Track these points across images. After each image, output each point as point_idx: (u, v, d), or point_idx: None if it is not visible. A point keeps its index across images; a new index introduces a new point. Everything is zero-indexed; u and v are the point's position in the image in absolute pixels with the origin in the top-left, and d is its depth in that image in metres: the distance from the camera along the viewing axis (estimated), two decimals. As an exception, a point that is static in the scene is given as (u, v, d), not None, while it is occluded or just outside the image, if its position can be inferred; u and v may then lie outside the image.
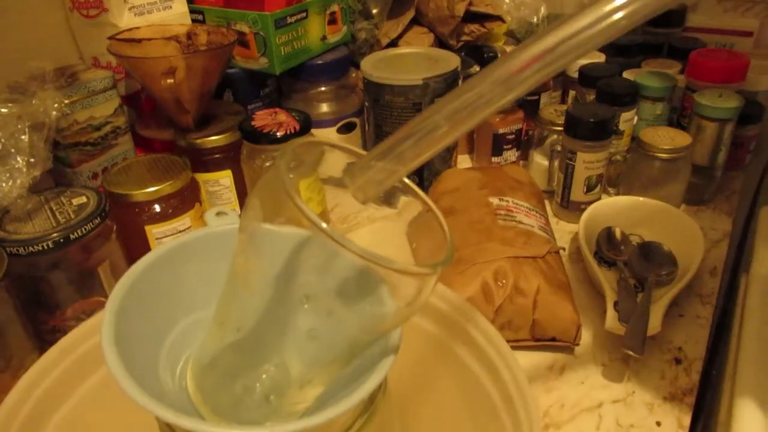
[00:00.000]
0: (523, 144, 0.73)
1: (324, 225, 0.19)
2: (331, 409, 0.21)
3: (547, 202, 0.65)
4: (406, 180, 0.25)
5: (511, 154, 0.72)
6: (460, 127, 0.23)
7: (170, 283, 0.26)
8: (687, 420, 0.44)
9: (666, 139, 0.61)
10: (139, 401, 0.20)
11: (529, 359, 0.50)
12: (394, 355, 0.24)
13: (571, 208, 0.65)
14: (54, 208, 0.49)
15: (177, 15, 0.62)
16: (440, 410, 0.38)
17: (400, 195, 0.26)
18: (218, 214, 0.28)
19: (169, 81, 0.52)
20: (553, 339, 0.49)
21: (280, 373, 0.24)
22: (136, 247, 0.54)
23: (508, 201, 0.57)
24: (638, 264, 0.55)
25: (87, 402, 0.33)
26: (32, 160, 0.47)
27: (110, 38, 0.55)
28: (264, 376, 0.24)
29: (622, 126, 0.67)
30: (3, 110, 0.44)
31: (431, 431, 0.40)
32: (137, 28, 0.58)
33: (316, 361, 0.23)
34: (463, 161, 0.77)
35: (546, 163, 0.69)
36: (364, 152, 0.25)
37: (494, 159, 0.72)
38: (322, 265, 0.22)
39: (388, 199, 0.28)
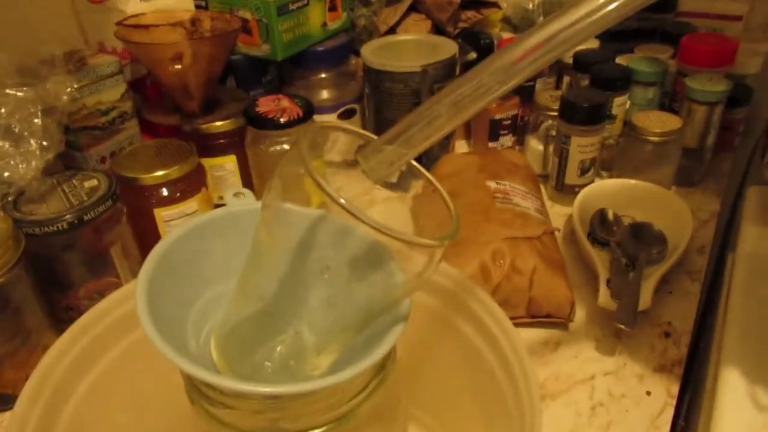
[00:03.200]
0: (519, 129, 0.74)
1: (342, 200, 0.21)
2: (349, 369, 0.23)
3: (542, 187, 0.67)
4: (413, 162, 0.27)
5: (507, 140, 0.74)
6: (463, 114, 0.25)
7: (195, 258, 0.28)
8: (675, 389, 0.47)
9: (657, 123, 0.63)
10: (175, 361, 0.21)
11: (525, 335, 0.52)
12: (404, 323, 0.26)
13: (565, 191, 0.67)
14: (67, 191, 0.50)
15: (182, 1, 0.64)
16: (443, 381, 0.40)
17: (410, 179, 0.28)
18: (236, 194, 0.30)
19: (177, 66, 0.53)
20: (548, 316, 0.52)
21: (299, 339, 0.26)
22: (145, 230, 0.56)
23: (505, 184, 0.59)
24: (630, 244, 0.57)
25: (109, 373, 0.35)
26: (45, 143, 0.49)
27: (118, 24, 0.56)
28: (284, 342, 0.26)
29: (615, 110, 0.69)
30: (18, 94, 0.45)
31: (435, 400, 0.42)
32: (143, 14, 0.60)
33: (333, 327, 0.25)
34: (460, 147, 0.79)
35: (541, 147, 0.71)
36: (375, 137, 0.27)
37: (491, 144, 0.74)
38: (340, 239, 0.24)
39: (399, 182, 0.30)
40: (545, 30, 0.23)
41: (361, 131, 0.26)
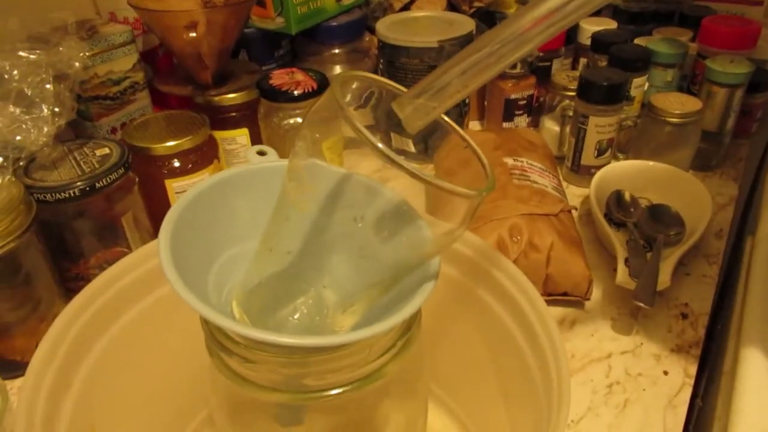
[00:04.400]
0: (534, 110, 0.73)
1: (380, 144, 0.20)
2: (377, 324, 0.22)
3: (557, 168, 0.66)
4: (446, 118, 0.26)
5: (522, 120, 0.73)
6: (492, 68, 0.24)
7: (216, 215, 0.27)
8: (693, 369, 0.46)
9: (677, 104, 0.62)
10: (199, 309, 0.21)
11: (550, 312, 0.51)
12: (435, 281, 0.25)
13: (581, 172, 0.66)
14: (78, 158, 0.49)
15: (195, -29, 0.62)
16: (464, 356, 0.39)
17: (437, 139, 0.27)
18: (260, 152, 0.29)
19: (191, 35, 0.52)
20: (565, 294, 0.51)
21: (324, 297, 0.25)
22: (156, 201, 0.55)
23: (522, 161, 0.58)
24: (647, 225, 0.57)
25: (121, 337, 0.34)
26: (57, 109, 0.48)
27: (131, -9, 0.55)
28: (308, 300, 0.26)
29: (633, 92, 0.68)
30: (31, 56, 0.44)
31: (454, 377, 0.41)
32: (156, -18, 0.58)
33: (359, 284, 0.25)
34: (474, 127, 0.78)
35: (557, 128, 0.70)
36: (404, 89, 0.26)
37: (505, 124, 0.73)
38: (369, 195, 0.23)
39: (424, 146, 0.29)
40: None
41: (393, 84, 0.25)
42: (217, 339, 0.24)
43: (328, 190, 0.23)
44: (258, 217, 0.28)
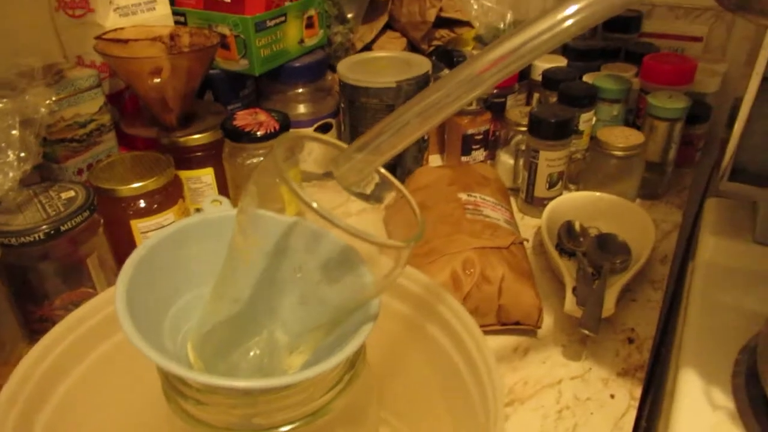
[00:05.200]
0: (491, 144, 0.77)
1: (315, 204, 0.22)
2: (319, 365, 0.24)
3: (512, 199, 0.69)
4: (382, 170, 0.29)
5: (480, 154, 0.76)
6: (430, 121, 0.27)
7: (172, 262, 0.29)
8: (638, 392, 0.48)
9: (621, 138, 0.66)
10: (152, 357, 0.22)
11: (495, 342, 0.54)
12: (373, 322, 0.27)
13: (535, 203, 0.69)
14: (43, 201, 0.51)
15: (160, 16, 0.65)
16: (414, 386, 0.42)
17: (383, 191, 0.30)
18: (213, 201, 0.31)
19: (156, 80, 0.54)
20: (517, 323, 0.53)
21: (273, 340, 0.27)
22: (121, 241, 0.56)
23: (475, 196, 0.61)
24: (595, 253, 0.60)
25: (85, 380, 0.36)
26: (23, 154, 0.49)
27: (97, 38, 0.57)
28: (258, 343, 0.28)
29: (581, 126, 0.72)
30: (-2, 106, 0.46)
31: (406, 405, 0.43)
32: (122, 28, 0.61)
33: (305, 327, 0.27)
34: (434, 161, 0.81)
35: (512, 161, 0.73)
36: (346, 146, 0.28)
37: (463, 158, 0.76)
38: (313, 243, 0.25)
39: (373, 194, 0.31)
40: (508, 43, 0.25)
41: (334, 141, 0.28)
42: (172, 384, 0.26)
43: (273, 242, 0.25)
44: (213, 263, 0.29)
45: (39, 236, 0.48)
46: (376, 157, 0.27)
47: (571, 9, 0.24)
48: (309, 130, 0.74)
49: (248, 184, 0.25)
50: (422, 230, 0.26)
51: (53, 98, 0.56)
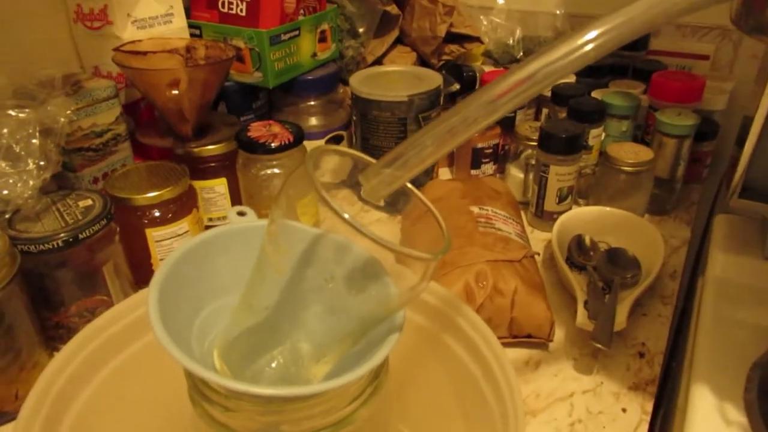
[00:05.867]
0: (500, 158, 0.77)
1: (346, 215, 0.23)
2: (345, 375, 0.25)
3: (522, 213, 0.70)
4: (409, 185, 0.29)
5: (489, 167, 0.77)
6: (451, 142, 0.27)
7: (199, 272, 0.29)
8: (649, 406, 0.49)
9: (630, 154, 0.67)
10: (182, 361, 0.23)
11: (508, 355, 0.54)
12: (399, 333, 0.28)
13: (544, 217, 0.70)
14: (62, 209, 0.51)
15: (177, 29, 0.66)
16: (430, 398, 0.42)
17: (399, 202, 0.30)
18: (240, 213, 0.32)
19: (173, 92, 0.55)
20: (529, 336, 0.54)
21: (298, 349, 0.28)
22: (136, 249, 0.57)
23: (487, 210, 0.61)
24: (606, 268, 0.60)
25: (107, 386, 0.36)
26: (42, 163, 0.50)
27: (115, 50, 0.58)
28: (284, 352, 0.28)
29: (591, 141, 0.72)
30: (20, 115, 0.46)
31: (422, 417, 0.43)
32: (139, 40, 0.62)
33: (330, 337, 0.27)
34: (444, 174, 0.82)
35: (521, 175, 0.74)
36: (374, 160, 0.29)
37: (473, 172, 0.76)
38: (340, 254, 0.26)
39: (393, 204, 0.32)
40: (528, 67, 0.26)
41: (362, 155, 0.28)
42: (199, 389, 0.26)
43: (302, 250, 0.26)
44: (239, 272, 0.30)
45: (57, 244, 0.48)
46: (403, 173, 0.27)
47: (592, 34, 0.25)
48: (320, 142, 0.75)
49: (279, 196, 0.26)
50: (449, 244, 0.26)
51: (72, 108, 0.57)
